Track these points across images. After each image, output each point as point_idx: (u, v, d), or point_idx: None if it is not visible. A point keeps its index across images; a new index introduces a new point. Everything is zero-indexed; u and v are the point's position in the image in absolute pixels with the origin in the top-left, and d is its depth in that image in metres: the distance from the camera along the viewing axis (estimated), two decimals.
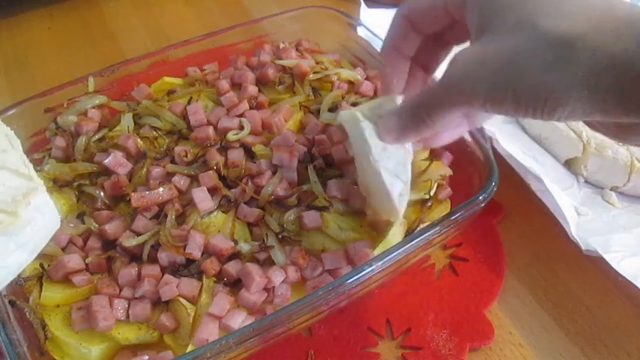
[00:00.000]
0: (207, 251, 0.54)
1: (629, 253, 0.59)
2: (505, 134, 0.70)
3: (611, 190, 0.68)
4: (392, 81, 0.50)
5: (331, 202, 0.55)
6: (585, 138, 0.67)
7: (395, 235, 0.53)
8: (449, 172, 0.60)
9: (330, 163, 0.60)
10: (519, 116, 0.37)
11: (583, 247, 0.59)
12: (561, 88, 0.33)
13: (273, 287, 0.51)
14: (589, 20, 0.33)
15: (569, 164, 0.70)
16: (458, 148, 0.62)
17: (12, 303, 0.49)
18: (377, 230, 0.55)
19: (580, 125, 0.69)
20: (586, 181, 0.69)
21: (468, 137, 0.61)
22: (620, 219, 0.64)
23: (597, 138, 0.67)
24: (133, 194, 0.56)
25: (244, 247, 0.55)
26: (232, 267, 0.53)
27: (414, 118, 0.43)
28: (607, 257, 0.57)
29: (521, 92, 0.35)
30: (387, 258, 0.49)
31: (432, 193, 0.58)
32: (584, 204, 0.66)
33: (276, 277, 0.51)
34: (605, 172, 0.67)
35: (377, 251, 0.52)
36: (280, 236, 0.55)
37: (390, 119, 0.45)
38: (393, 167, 0.48)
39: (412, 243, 0.51)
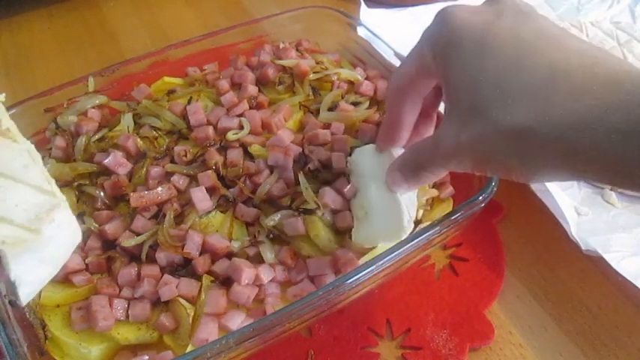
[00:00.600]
0: (205, 250, 0.54)
1: (629, 253, 0.59)
2: None
3: (611, 190, 0.68)
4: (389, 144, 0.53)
5: (321, 207, 0.54)
6: None
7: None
8: (434, 193, 0.60)
9: (326, 165, 0.59)
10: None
11: (583, 247, 0.59)
12: (526, 169, 0.36)
13: (264, 286, 0.51)
14: (532, 109, 0.34)
15: None
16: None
17: (12, 303, 0.49)
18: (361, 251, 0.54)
19: None
20: (586, 181, 0.69)
21: None
22: (620, 219, 0.64)
23: None
24: (132, 194, 0.56)
25: (235, 244, 0.55)
26: (219, 266, 0.53)
27: (415, 175, 0.47)
28: (607, 257, 0.57)
29: (496, 170, 0.39)
30: (388, 258, 0.49)
31: (419, 217, 0.57)
32: (584, 204, 0.66)
33: (265, 273, 0.51)
34: None
35: (366, 258, 0.52)
36: (271, 235, 0.55)
37: (394, 175, 0.49)
38: (405, 200, 0.52)
39: (412, 243, 0.50)
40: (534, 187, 0.64)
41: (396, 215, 0.51)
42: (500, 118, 0.35)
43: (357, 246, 0.53)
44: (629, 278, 0.56)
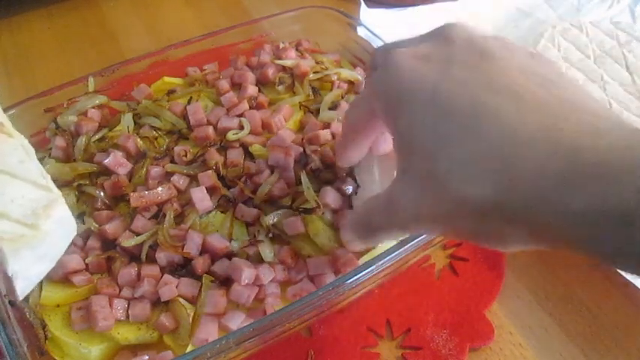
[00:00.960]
0: (205, 250, 0.54)
1: None
2: None
3: None
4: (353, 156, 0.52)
5: (321, 206, 0.54)
6: None
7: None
8: None
9: (328, 165, 0.59)
10: None
11: None
12: (495, 241, 0.33)
13: (264, 286, 0.51)
14: (496, 183, 0.30)
15: None
16: None
17: (12, 303, 0.49)
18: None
19: None
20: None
21: None
22: None
23: None
24: (132, 194, 0.56)
25: (235, 244, 0.55)
26: (219, 266, 0.53)
27: (370, 236, 0.44)
28: None
29: (464, 239, 0.38)
30: (388, 258, 0.49)
31: None
32: None
33: (265, 273, 0.51)
34: None
35: (365, 258, 0.52)
36: (270, 234, 0.55)
37: (348, 234, 0.48)
38: None
39: (412, 243, 0.50)
40: None
41: None
42: (462, 192, 0.31)
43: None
44: (629, 278, 0.56)
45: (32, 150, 0.44)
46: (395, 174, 0.50)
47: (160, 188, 0.57)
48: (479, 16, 0.92)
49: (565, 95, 0.31)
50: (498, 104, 0.31)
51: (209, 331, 0.48)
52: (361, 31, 0.76)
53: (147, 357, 0.49)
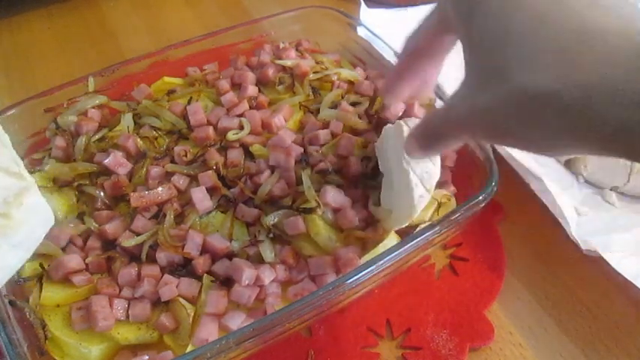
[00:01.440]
0: (205, 250, 0.54)
1: (629, 253, 0.59)
2: None
3: (611, 190, 0.68)
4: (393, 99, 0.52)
5: (321, 206, 0.55)
6: None
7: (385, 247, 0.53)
8: (453, 190, 0.61)
9: (337, 170, 0.59)
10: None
11: (583, 247, 0.59)
12: (545, 141, 0.33)
13: (265, 286, 0.51)
14: (558, 71, 0.30)
15: (569, 164, 0.70)
16: (458, 148, 0.62)
17: (12, 303, 0.49)
18: (365, 247, 0.55)
19: None
20: (586, 181, 0.69)
21: None
22: (620, 219, 0.64)
23: None
24: (132, 194, 0.56)
25: (235, 245, 0.55)
26: (219, 266, 0.53)
27: (428, 143, 0.44)
28: (607, 257, 0.57)
29: (511, 141, 0.36)
30: (388, 258, 0.49)
31: (439, 214, 0.58)
32: (584, 204, 0.66)
33: (266, 274, 0.51)
34: (604, 171, 0.67)
35: (366, 258, 0.52)
36: (271, 235, 0.55)
37: (410, 142, 0.46)
38: (420, 173, 0.52)
39: (412, 243, 0.51)
40: (534, 187, 0.64)
41: (409, 192, 0.52)
42: (523, 81, 0.31)
43: (388, 226, 0.55)
44: (629, 278, 0.56)
45: (6, 136, 0.42)
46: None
47: (160, 188, 0.57)
48: None
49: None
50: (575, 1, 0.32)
51: (209, 331, 0.48)
52: (361, 31, 0.76)
53: (147, 357, 0.49)
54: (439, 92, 0.66)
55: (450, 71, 0.73)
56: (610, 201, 0.67)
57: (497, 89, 0.33)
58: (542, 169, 0.65)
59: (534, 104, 0.31)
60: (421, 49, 0.45)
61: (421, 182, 0.52)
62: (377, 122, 0.64)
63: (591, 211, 0.65)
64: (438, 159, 0.55)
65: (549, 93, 0.31)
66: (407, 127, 0.55)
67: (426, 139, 0.44)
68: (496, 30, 0.34)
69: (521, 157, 0.65)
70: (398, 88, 0.49)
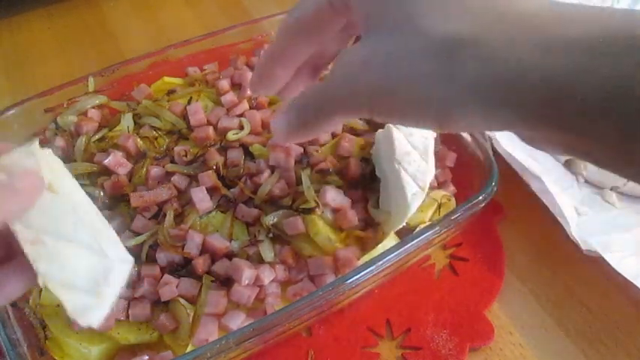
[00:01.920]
0: (205, 250, 0.54)
1: (629, 253, 0.59)
2: (505, 134, 0.70)
3: (611, 190, 0.68)
4: (264, 91, 0.45)
5: (321, 206, 0.55)
6: None
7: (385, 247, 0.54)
8: (453, 191, 0.61)
9: (337, 171, 0.59)
10: (411, 126, 0.34)
11: (583, 247, 0.59)
12: (448, 100, 0.29)
13: (264, 286, 0.51)
14: (479, 22, 0.28)
15: (569, 164, 0.70)
16: (458, 148, 0.62)
17: (12, 303, 0.50)
18: (365, 248, 0.55)
19: None
20: (586, 181, 0.69)
21: (467, 137, 0.61)
22: (620, 219, 0.64)
23: None
24: (132, 194, 0.56)
25: (235, 245, 0.55)
26: (219, 266, 0.53)
27: (300, 120, 0.38)
28: (607, 257, 0.57)
29: (406, 101, 0.30)
30: (388, 258, 0.49)
31: (439, 214, 0.58)
32: (584, 204, 0.66)
33: (266, 274, 0.51)
34: (604, 171, 0.67)
35: (364, 259, 0.52)
36: (271, 234, 0.55)
37: (279, 118, 0.39)
38: (413, 172, 0.52)
39: (412, 243, 0.51)
40: (534, 187, 0.64)
41: (402, 191, 0.52)
42: (435, 27, 0.28)
43: (387, 228, 0.55)
44: (629, 278, 0.56)
45: (92, 207, 0.40)
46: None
47: (159, 188, 0.57)
48: None
49: None
50: None
51: (209, 331, 0.48)
52: None
53: (147, 357, 0.49)
54: None
55: None
56: (610, 201, 0.67)
57: (402, 40, 0.30)
58: (542, 169, 0.65)
59: (440, 52, 0.28)
60: (305, 23, 0.38)
61: (413, 180, 0.52)
62: (375, 123, 0.64)
63: (591, 211, 0.65)
64: (431, 156, 0.55)
65: (467, 39, 0.28)
66: (396, 130, 0.56)
67: (300, 110, 0.37)
68: None
69: (521, 157, 0.65)
70: (269, 75, 0.42)
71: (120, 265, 0.39)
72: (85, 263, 0.37)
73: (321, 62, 0.44)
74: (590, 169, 0.68)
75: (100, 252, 0.38)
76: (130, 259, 0.41)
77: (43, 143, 0.66)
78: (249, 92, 0.67)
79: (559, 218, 0.61)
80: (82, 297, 0.37)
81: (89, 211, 0.39)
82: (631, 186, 0.67)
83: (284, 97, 0.45)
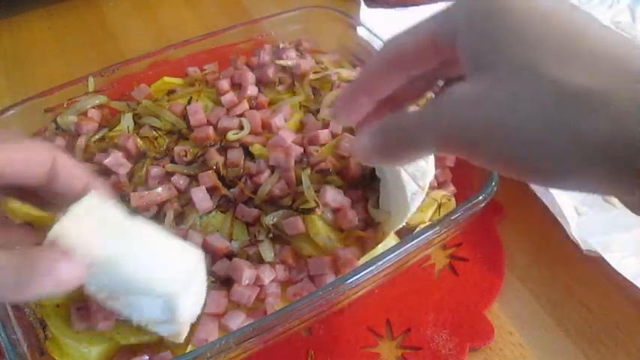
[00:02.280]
0: (205, 250, 0.54)
1: (629, 253, 0.59)
2: None
3: None
4: (346, 119, 0.44)
5: (320, 206, 0.55)
6: None
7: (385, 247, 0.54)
8: (453, 191, 0.61)
9: (338, 171, 0.60)
10: (509, 174, 0.32)
11: (583, 247, 0.59)
12: (570, 154, 0.27)
13: (264, 286, 0.51)
14: (609, 77, 0.27)
15: None
16: None
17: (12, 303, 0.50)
18: (364, 248, 0.55)
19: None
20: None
21: None
22: (620, 219, 0.64)
23: None
24: (132, 194, 0.56)
25: (235, 245, 0.55)
26: (219, 266, 0.53)
27: (387, 144, 0.36)
28: (607, 257, 0.57)
29: (518, 146, 0.29)
30: (387, 258, 0.49)
31: (439, 214, 0.58)
32: (584, 204, 0.66)
33: (266, 274, 0.51)
34: None
35: (364, 259, 0.52)
36: (271, 234, 0.55)
37: (364, 138, 0.38)
38: (412, 172, 0.52)
39: (412, 243, 0.51)
40: (534, 187, 0.64)
41: (401, 190, 0.52)
42: (557, 75, 0.28)
43: (387, 228, 0.55)
44: (629, 278, 0.56)
45: (133, 250, 0.42)
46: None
47: (159, 188, 0.57)
48: None
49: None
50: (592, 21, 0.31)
51: (209, 331, 0.48)
52: (361, 31, 0.76)
53: (147, 357, 0.49)
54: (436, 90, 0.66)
55: None
56: (610, 201, 0.67)
57: (519, 82, 0.29)
58: None
59: (563, 103, 0.27)
60: (404, 56, 0.38)
61: (413, 180, 0.52)
62: None
63: (591, 211, 0.65)
64: (431, 156, 0.55)
65: (603, 95, 0.27)
66: None
67: (388, 140, 0.36)
68: (526, 25, 0.30)
69: None
70: (354, 102, 0.41)
71: (186, 284, 0.42)
72: (155, 304, 0.41)
73: (402, 98, 0.43)
74: None
75: (162, 290, 0.40)
76: (199, 257, 0.44)
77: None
78: (249, 92, 0.67)
79: (559, 218, 0.61)
80: (166, 327, 0.43)
81: (145, 245, 0.42)
82: None
83: (360, 129, 0.44)
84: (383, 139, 0.37)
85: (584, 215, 0.64)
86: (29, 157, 0.39)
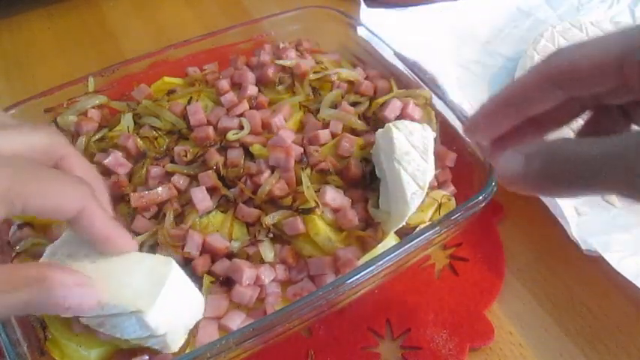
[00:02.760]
0: (205, 250, 0.54)
1: (629, 253, 0.59)
2: None
3: None
4: (483, 131, 0.39)
5: (320, 206, 0.55)
6: None
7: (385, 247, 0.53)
8: (453, 191, 0.61)
9: (338, 171, 0.60)
10: None
11: (583, 247, 0.59)
12: None
13: (264, 286, 0.51)
14: None
15: None
16: (458, 148, 0.62)
17: None
18: (365, 248, 0.55)
19: (578, 124, 0.69)
20: None
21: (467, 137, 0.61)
22: (620, 219, 0.64)
23: None
24: (132, 194, 0.56)
25: (235, 245, 0.55)
26: (219, 266, 0.53)
27: (545, 172, 0.31)
28: (607, 257, 0.57)
29: None
30: (388, 258, 0.49)
31: (439, 214, 0.58)
32: (584, 204, 0.66)
33: (266, 274, 0.51)
34: None
35: (364, 259, 0.52)
36: (271, 234, 0.55)
37: (513, 157, 0.32)
38: (412, 171, 0.53)
39: (412, 243, 0.51)
40: None
41: (401, 190, 0.52)
42: None
43: (387, 228, 0.55)
44: (629, 278, 0.56)
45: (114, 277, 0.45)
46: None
47: (159, 188, 0.57)
48: (479, 16, 0.92)
49: None
50: None
51: (209, 334, 0.48)
52: (361, 31, 0.76)
53: (147, 357, 0.49)
54: (436, 90, 0.66)
55: (450, 71, 0.74)
56: (610, 201, 0.67)
57: None
58: None
59: None
60: (574, 73, 0.33)
61: (413, 180, 0.53)
62: (375, 123, 0.64)
63: (591, 211, 0.65)
64: (431, 156, 0.56)
65: None
66: (396, 129, 0.56)
67: (549, 166, 0.30)
68: None
69: None
70: (497, 116, 0.37)
71: (151, 298, 0.43)
72: (132, 322, 0.43)
73: (548, 120, 0.38)
74: None
75: (130, 307, 0.42)
76: (168, 266, 0.45)
77: None
78: (249, 92, 0.67)
79: (559, 218, 0.61)
80: (154, 341, 0.45)
81: (111, 267, 0.44)
82: None
83: (496, 147, 0.39)
84: (544, 166, 0.30)
85: (585, 215, 0.64)
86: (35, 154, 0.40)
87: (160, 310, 0.43)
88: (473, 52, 0.88)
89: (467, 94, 0.77)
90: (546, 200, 0.63)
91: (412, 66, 0.70)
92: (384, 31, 0.76)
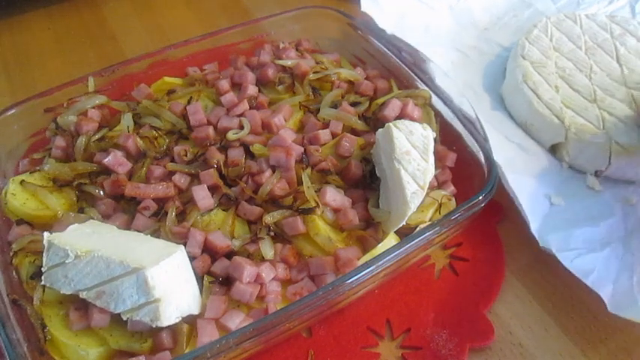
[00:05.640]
0: (207, 248, 0.54)
1: (586, 250, 0.58)
2: (493, 121, 0.70)
3: (595, 174, 0.68)
4: None
5: (320, 206, 0.55)
6: (567, 124, 0.68)
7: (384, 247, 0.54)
8: (453, 191, 0.61)
9: (338, 171, 0.60)
10: None
11: (540, 244, 0.59)
12: None
13: (265, 284, 0.51)
14: None
15: (554, 150, 0.71)
16: (458, 149, 0.62)
17: (15, 301, 0.50)
18: (365, 248, 0.55)
19: (563, 111, 0.69)
20: (570, 167, 0.69)
21: (468, 137, 0.61)
22: (594, 210, 0.64)
23: (577, 123, 0.68)
24: (128, 184, 0.56)
25: (236, 242, 0.55)
26: (218, 266, 0.53)
27: None
28: (560, 256, 0.57)
29: None
30: (388, 258, 0.49)
31: (439, 214, 0.58)
32: (559, 193, 0.65)
33: (266, 272, 0.51)
34: (586, 156, 0.67)
35: (364, 259, 0.52)
36: (272, 233, 0.55)
37: None
38: (412, 171, 0.53)
39: (412, 243, 0.51)
40: (508, 176, 0.62)
41: (402, 189, 0.53)
42: None
43: (387, 227, 0.55)
44: (579, 276, 0.56)
45: (108, 249, 0.49)
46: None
47: (157, 184, 0.57)
48: (480, 4, 0.92)
49: None
50: None
51: (209, 334, 0.48)
52: (361, 31, 0.76)
53: (142, 357, 0.48)
54: (435, 89, 0.66)
55: (447, 54, 0.73)
56: (591, 185, 0.67)
57: None
58: (527, 157, 0.65)
59: None
60: None
61: (413, 179, 0.53)
62: (375, 123, 0.64)
63: (565, 201, 0.64)
64: (431, 156, 0.56)
65: None
66: (396, 129, 0.56)
67: None
68: None
69: (504, 149, 0.65)
70: None
71: (155, 260, 0.47)
72: (130, 283, 0.46)
73: None
74: (571, 154, 0.68)
75: (134, 264, 0.46)
76: (179, 249, 0.50)
77: (44, 143, 0.66)
78: (249, 92, 0.67)
79: (522, 214, 0.60)
80: (146, 310, 0.47)
81: (124, 239, 0.51)
82: (613, 168, 0.66)
83: None
84: None
85: (557, 206, 0.64)
86: None
87: (160, 273, 0.47)
88: (471, 37, 0.89)
89: (460, 77, 0.78)
90: (517, 191, 0.61)
91: (412, 66, 0.70)
92: (385, 15, 0.76)
